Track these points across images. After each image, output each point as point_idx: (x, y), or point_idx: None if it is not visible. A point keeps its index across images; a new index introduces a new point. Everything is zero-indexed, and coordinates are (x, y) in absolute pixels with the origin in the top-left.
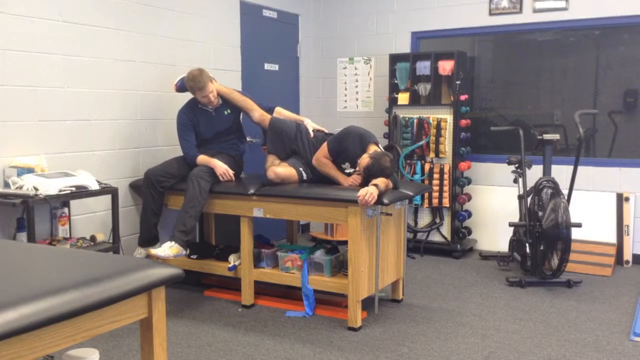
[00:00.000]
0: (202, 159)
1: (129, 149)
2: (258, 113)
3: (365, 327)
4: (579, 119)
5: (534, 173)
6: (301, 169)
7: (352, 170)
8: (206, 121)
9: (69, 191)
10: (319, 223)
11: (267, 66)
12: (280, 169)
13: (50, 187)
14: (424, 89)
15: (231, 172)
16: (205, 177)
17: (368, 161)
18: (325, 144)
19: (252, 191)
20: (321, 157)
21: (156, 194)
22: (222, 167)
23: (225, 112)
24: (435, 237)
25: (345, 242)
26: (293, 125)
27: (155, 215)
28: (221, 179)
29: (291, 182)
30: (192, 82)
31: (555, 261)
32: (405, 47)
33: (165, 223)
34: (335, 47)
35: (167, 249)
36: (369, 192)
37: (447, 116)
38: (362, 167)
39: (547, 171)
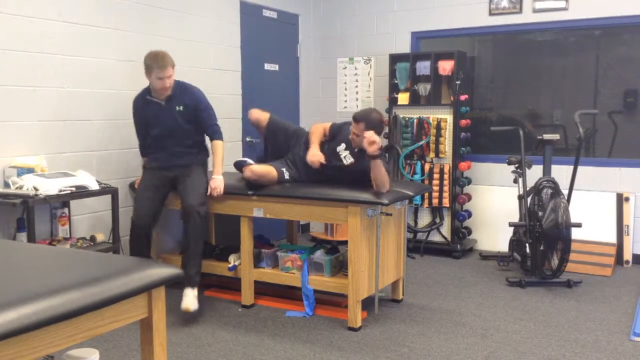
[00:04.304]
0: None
1: (129, 149)
2: (254, 110)
3: (365, 327)
4: (579, 119)
5: (534, 173)
6: (284, 169)
7: (346, 152)
8: (154, 115)
9: (69, 191)
10: (319, 223)
11: (267, 66)
12: (256, 166)
13: (50, 187)
14: (424, 89)
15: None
16: (205, 202)
17: (355, 114)
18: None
19: (252, 191)
20: (320, 126)
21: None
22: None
23: (178, 108)
24: (435, 237)
25: (345, 242)
26: (291, 125)
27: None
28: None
29: (270, 181)
30: (151, 60)
31: (555, 261)
32: (405, 47)
33: (167, 223)
34: (335, 47)
35: (194, 298)
36: (373, 137)
37: (447, 116)
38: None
39: (547, 171)
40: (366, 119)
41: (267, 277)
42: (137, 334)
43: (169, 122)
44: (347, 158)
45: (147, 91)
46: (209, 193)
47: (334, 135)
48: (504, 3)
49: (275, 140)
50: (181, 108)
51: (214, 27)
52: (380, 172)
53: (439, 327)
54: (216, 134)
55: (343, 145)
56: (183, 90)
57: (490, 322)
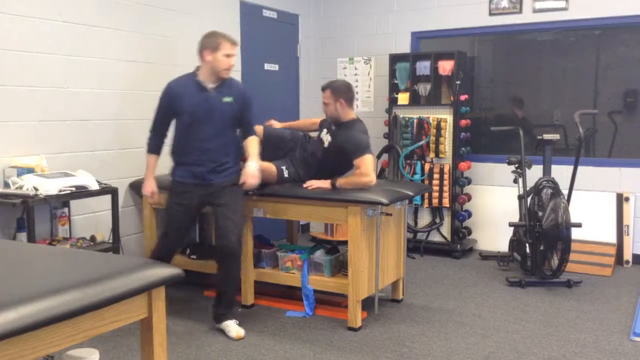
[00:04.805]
0: (149, 163)
1: (129, 149)
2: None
3: (365, 327)
4: (579, 119)
5: (534, 173)
6: (284, 167)
7: (327, 136)
8: (199, 103)
9: (69, 191)
10: (319, 223)
11: (267, 66)
12: (264, 164)
13: (50, 187)
14: (424, 89)
15: (157, 197)
16: (242, 234)
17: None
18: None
19: (252, 191)
20: (315, 118)
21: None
22: (148, 189)
23: (226, 99)
24: (435, 237)
25: (345, 242)
26: (285, 131)
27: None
28: (148, 199)
29: (269, 176)
30: (221, 35)
31: (555, 261)
32: (405, 47)
33: None
34: (335, 47)
35: (236, 324)
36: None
37: (447, 116)
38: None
39: (547, 171)
40: (331, 86)
41: (267, 277)
42: (137, 334)
43: (217, 116)
44: (327, 140)
45: (190, 76)
46: (242, 182)
47: (321, 127)
48: (504, 3)
49: (272, 146)
50: (230, 100)
51: (214, 27)
52: (354, 185)
53: (439, 327)
54: (253, 132)
55: (325, 131)
56: (229, 80)
57: (490, 322)
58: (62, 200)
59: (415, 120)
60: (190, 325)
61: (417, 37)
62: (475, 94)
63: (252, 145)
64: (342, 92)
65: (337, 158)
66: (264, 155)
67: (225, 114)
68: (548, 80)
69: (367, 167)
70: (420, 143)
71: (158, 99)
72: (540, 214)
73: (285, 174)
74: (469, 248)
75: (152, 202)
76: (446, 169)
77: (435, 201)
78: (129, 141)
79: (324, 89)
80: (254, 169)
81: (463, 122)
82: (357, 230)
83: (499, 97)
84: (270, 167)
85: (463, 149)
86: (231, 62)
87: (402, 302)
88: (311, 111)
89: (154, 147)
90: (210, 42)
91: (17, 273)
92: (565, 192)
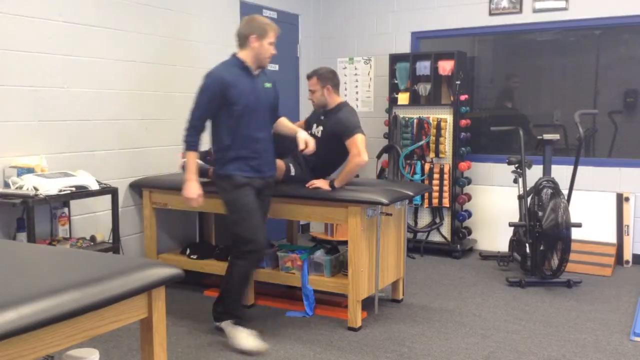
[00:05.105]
0: (191, 162)
1: (129, 149)
2: None
3: (365, 327)
4: (579, 119)
5: (534, 173)
6: (291, 165)
7: (318, 128)
8: (251, 89)
9: (69, 191)
10: (319, 223)
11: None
12: None
13: (50, 187)
14: (424, 89)
15: (202, 201)
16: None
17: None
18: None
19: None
20: (299, 122)
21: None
22: (194, 191)
23: (266, 85)
24: (435, 237)
25: (345, 242)
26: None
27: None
28: (192, 203)
29: (278, 173)
30: (266, 23)
31: (555, 261)
32: (405, 47)
33: (167, 223)
34: (335, 47)
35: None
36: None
37: (447, 116)
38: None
39: (547, 171)
40: (317, 73)
41: (267, 277)
42: (137, 334)
43: (263, 103)
44: (319, 131)
45: (235, 63)
46: (301, 148)
47: (309, 125)
48: (504, 3)
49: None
50: (270, 85)
51: (214, 27)
52: (350, 173)
53: (439, 327)
54: (280, 114)
55: (315, 125)
56: None
57: (490, 322)
58: (62, 200)
59: (415, 120)
60: (190, 325)
61: (417, 37)
62: (475, 94)
63: (288, 122)
64: (328, 78)
65: (332, 144)
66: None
67: (268, 100)
68: (548, 80)
69: (357, 146)
70: (420, 143)
71: (199, 91)
72: (540, 214)
73: (292, 172)
74: (469, 248)
75: (196, 207)
76: (446, 169)
77: (435, 201)
78: (129, 141)
79: (309, 76)
80: (307, 135)
81: (463, 122)
82: (357, 230)
83: (499, 97)
84: (280, 162)
85: (463, 149)
86: (274, 50)
87: (402, 302)
88: (311, 111)
89: (195, 143)
90: (257, 28)
91: (17, 273)
92: (565, 192)
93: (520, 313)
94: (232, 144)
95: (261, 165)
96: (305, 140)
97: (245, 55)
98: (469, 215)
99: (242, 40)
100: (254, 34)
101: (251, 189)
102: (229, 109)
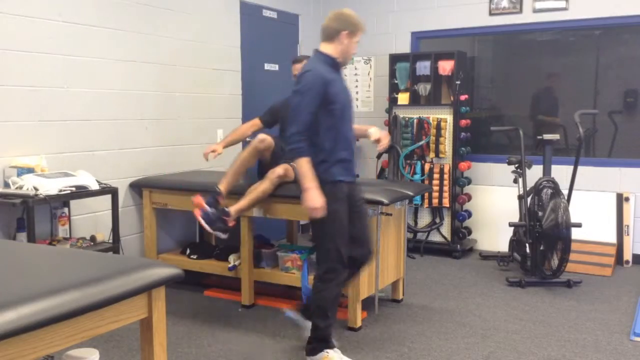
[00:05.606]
0: (306, 167)
1: (129, 149)
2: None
3: (365, 327)
4: (579, 119)
5: (534, 173)
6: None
7: None
8: (341, 82)
9: (69, 191)
10: None
11: (267, 66)
12: (280, 168)
13: (50, 187)
14: (424, 89)
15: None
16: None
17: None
18: None
19: None
20: (250, 121)
21: None
22: (320, 200)
23: (344, 82)
24: (435, 237)
25: None
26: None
27: None
28: (317, 214)
29: (290, 176)
30: (357, 19)
31: (555, 261)
32: (405, 47)
33: (167, 223)
34: None
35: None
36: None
37: (447, 116)
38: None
39: (547, 171)
40: (306, 58)
41: (267, 277)
42: (137, 334)
43: (350, 101)
44: None
45: (325, 59)
46: (375, 139)
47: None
48: (504, 3)
49: (277, 155)
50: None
51: (214, 27)
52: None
53: (439, 327)
54: None
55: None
56: None
57: (490, 322)
58: (62, 200)
59: (415, 120)
60: (190, 325)
61: (417, 37)
62: (475, 94)
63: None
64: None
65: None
66: (275, 163)
67: (350, 99)
68: (548, 80)
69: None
70: (420, 143)
71: (299, 94)
72: (540, 214)
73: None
74: (469, 248)
75: (321, 216)
76: (446, 169)
77: (435, 201)
78: (129, 141)
79: (296, 61)
80: (380, 131)
81: (463, 122)
82: None
83: (499, 97)
84: (288, 168)
85: (463, 149)
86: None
87: (402, 302)
88: None
89: (306, 149)
90: (350, 24)
91: (17, 273)
92: (565, 192)
93: (520, 313)
94: (335, 146)
95: (353, 168)
96: (382, 134)
97: (334, 51)
98: (469, 215)
99: (332, 34)
100: (347, 30)
101: (344, 188)
102: (327, 108)
